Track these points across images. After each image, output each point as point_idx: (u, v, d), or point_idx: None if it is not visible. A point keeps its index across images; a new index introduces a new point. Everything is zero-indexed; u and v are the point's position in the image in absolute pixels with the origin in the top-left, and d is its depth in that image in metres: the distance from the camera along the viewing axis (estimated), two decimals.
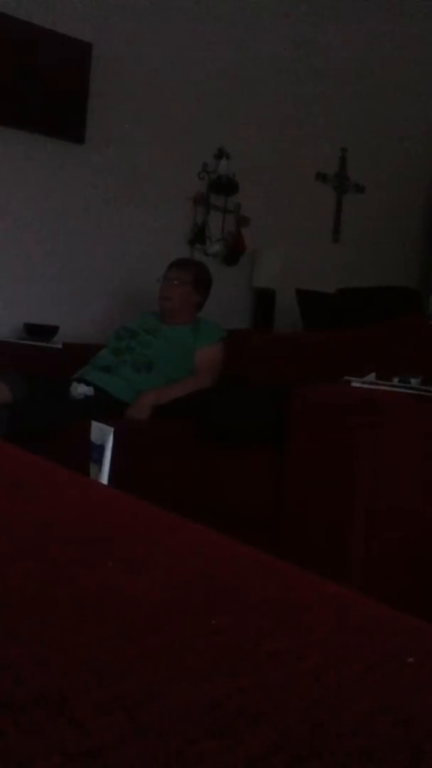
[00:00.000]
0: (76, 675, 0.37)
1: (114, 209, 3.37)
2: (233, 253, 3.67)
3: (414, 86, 4.35)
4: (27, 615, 0.44)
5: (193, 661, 0.40)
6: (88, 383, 2.52)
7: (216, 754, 0.31)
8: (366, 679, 0.40)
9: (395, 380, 1.84)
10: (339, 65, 4.03)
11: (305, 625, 0.48)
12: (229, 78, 3.64)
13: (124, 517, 0.72)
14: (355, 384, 1.77)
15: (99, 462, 1.39)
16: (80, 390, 2.47)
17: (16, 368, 2.53)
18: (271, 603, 0.51)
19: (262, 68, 3.75)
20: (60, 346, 2.94)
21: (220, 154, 3.61)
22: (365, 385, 1.77)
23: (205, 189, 3.61)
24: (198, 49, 3.53)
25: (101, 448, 1.39)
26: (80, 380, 2.55)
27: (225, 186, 3.59)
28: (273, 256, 3.77)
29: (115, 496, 0.80)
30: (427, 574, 1.76)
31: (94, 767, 0.30)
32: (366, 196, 4.26)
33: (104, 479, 1.38)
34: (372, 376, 1.89)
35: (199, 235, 3.57)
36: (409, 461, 1.72)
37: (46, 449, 1.61)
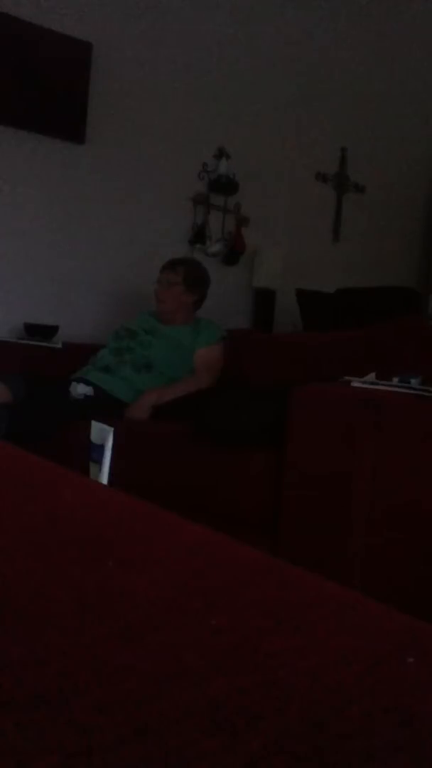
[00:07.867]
0: (76, 675, 0.37)
1: (114, 209, 3.37)
2: (233, 253, 3.67)
3: (414, 86, 4.35)
4: (27, 615, 0.44)
5: (193, 661, 0.40)
6: (88, 383, 2.52)
7: (216, 754, 0.31)
8: (366, 679, 0.40)
9: (395, 380, 1.83)
10: (339, 65, 4.03)
11: (305, 625, 0.48)
12: (229, 78, 3.64)
13: (124, 517, 0.72)
14: (355, 384, 1.77)
15: (99, 462, 1.39)
16: (80, 390, 2.46)
17: (16, 368, 2.53)
18: (271, 603, 0.51)
19: (262, 68, 3.75)
20: (60, 346, 2.94)
21: (220, 154, 3.62)
22: (365, 385, 1.77)
23: (205, 189, 3.61)
24: (198, 49, 3.53)
25: (101, 448, 1.39)
26: (80, 380, 2.55)
27: (225, 186, 3.60)
28: (273, 256, 3.77)
29: (115, 496, 0.80)
30: (427, 574, 1.76)
31: (94, 767, 0.30)
32: (366, 196, 4.27)
33: (104, 479, 1.38)
34: (372, 376, 1.89)
35: (199, 235, 3.57)
36: (409, 461, 1.72)
37: (46, 449, 1.61)
